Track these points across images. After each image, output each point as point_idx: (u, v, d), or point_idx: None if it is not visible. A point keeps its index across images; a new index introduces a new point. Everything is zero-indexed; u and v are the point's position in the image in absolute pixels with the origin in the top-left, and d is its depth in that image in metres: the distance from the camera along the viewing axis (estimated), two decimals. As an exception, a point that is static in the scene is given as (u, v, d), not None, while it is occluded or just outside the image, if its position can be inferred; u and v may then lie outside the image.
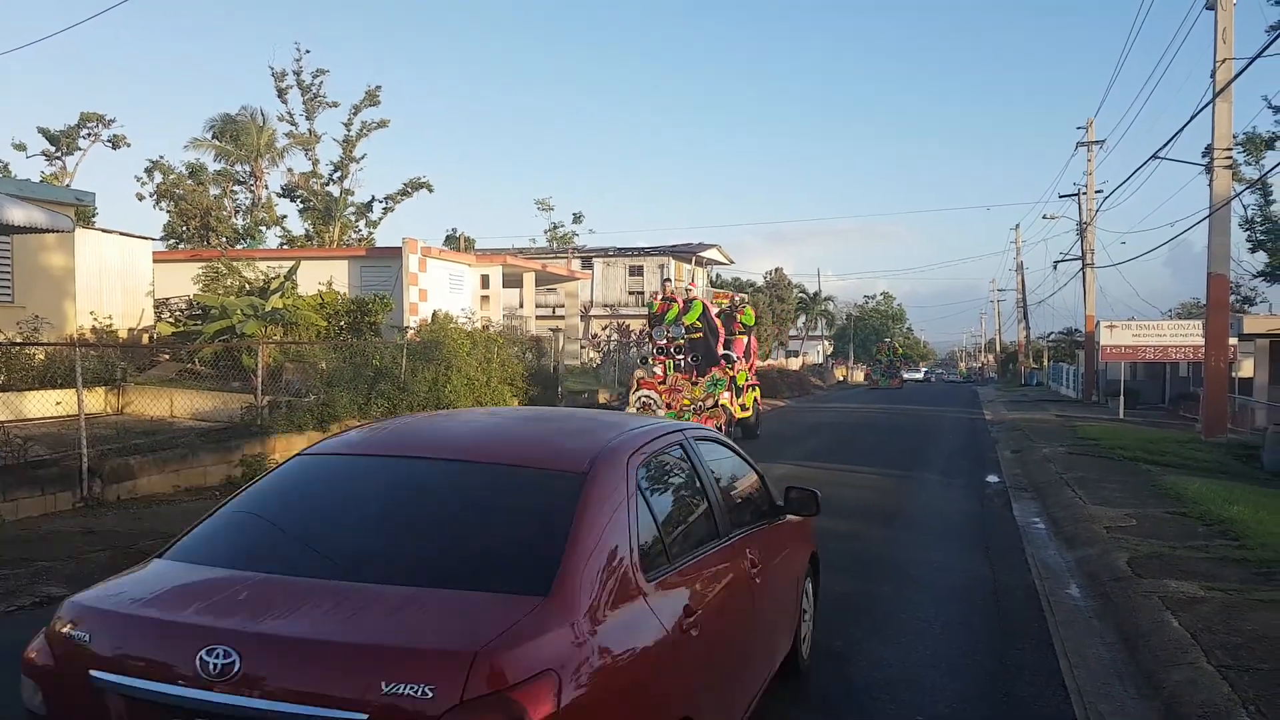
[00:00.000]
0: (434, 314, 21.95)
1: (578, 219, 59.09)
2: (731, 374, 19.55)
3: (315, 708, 2.47)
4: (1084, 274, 41.76)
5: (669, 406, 18.22)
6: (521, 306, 35.01)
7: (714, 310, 20.94)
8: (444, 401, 16.56)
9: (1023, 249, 68.45)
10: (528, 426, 4.35)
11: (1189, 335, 29.03)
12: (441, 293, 26.61)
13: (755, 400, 21.37)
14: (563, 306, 40.21)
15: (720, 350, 20.06)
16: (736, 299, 22.27)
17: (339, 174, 41.20)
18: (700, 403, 18.35)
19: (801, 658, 5.37)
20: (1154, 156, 23.08)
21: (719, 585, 3.75)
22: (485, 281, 29.55)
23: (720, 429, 15.13)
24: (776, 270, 62.93)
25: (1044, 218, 52.74)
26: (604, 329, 39.16)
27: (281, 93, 40.27)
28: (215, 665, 2.55)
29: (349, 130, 40.47)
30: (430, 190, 42.34)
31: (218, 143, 41.36)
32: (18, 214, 13.85)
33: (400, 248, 25.79)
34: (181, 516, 9.77)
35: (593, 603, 2.82)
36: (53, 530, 8.96)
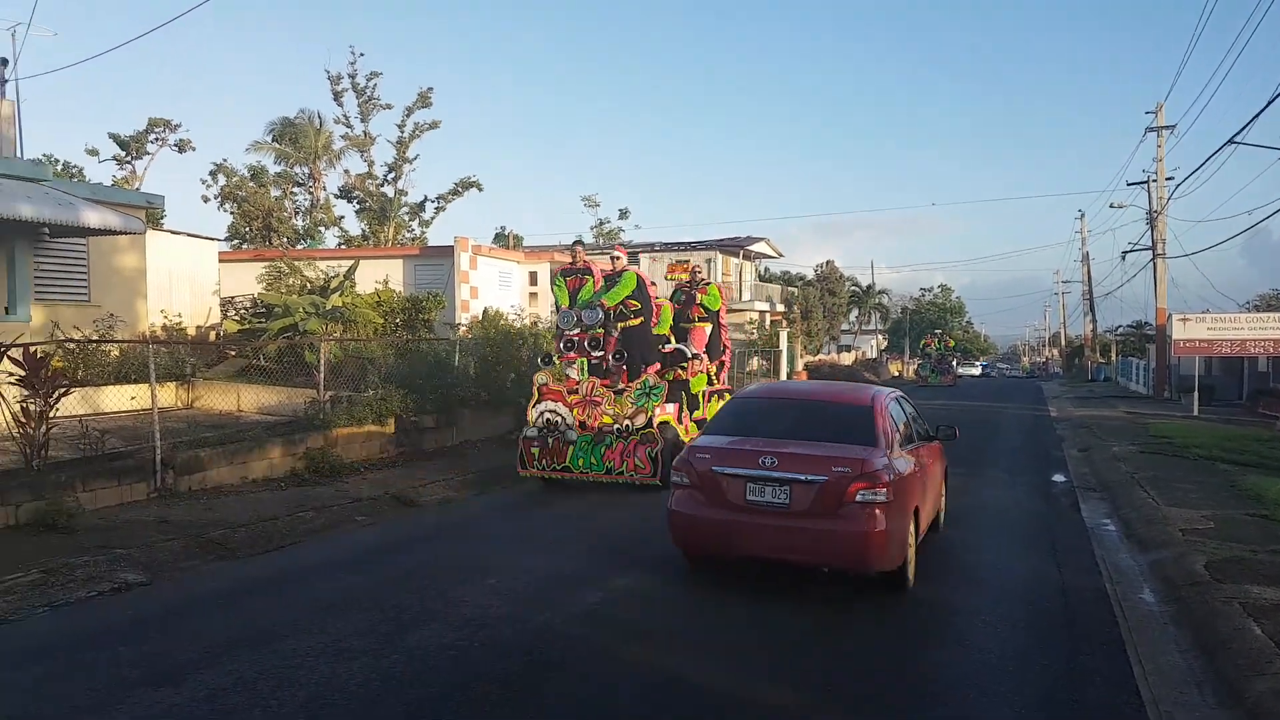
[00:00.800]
0: (485, 310, 22.14)
1: (624, 215, 59.24)
2: (684, 377, 13.67)
3: (808, 475, 6.87)
4: (1154, 264, 40.45)
5: (583, 427, 12.07)
6: (573, 303, 35.15)
7: (656, 289, 14.03)
8: (494, 395, 16.69)
9: (1089, 239, 66.53)
10: (834, 387, 10.55)
11: (1268, 328, 27.98)
12: (491, 289, 26.84)
13: None
14: (614, 302, 40.23)
15: (670, 345, 13.79)
16: (696, 271, 15.12)
17: (393, 175, 41.83)
18: (626, 420, 11.99)
19: (941, 523, 9.74)
20: (1230, 141, 22.25)
21: (919, 460, 8.16)
22: (534, 278, 29.75)
23: (655, 458, 11.57)
24: (828, 263, 62.22)
25: (1111, 206, 51.33)
26: (657, 324, 39.20)
27: (337, 96, 41.03)
28: (768, 461, 7.01)
29: (402, 131, 41.07)
30: (480, 189, 42.80)
31: (277, 145, 42.25)
32: (93, 217, 14.31)
33: (452, 246, 26.07)
34: (249, 507, 10.01)
35: (888, 449, 7.29)
36: (129, 519, 9.24)
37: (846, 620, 6.60)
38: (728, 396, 13.27)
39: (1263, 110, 20.46)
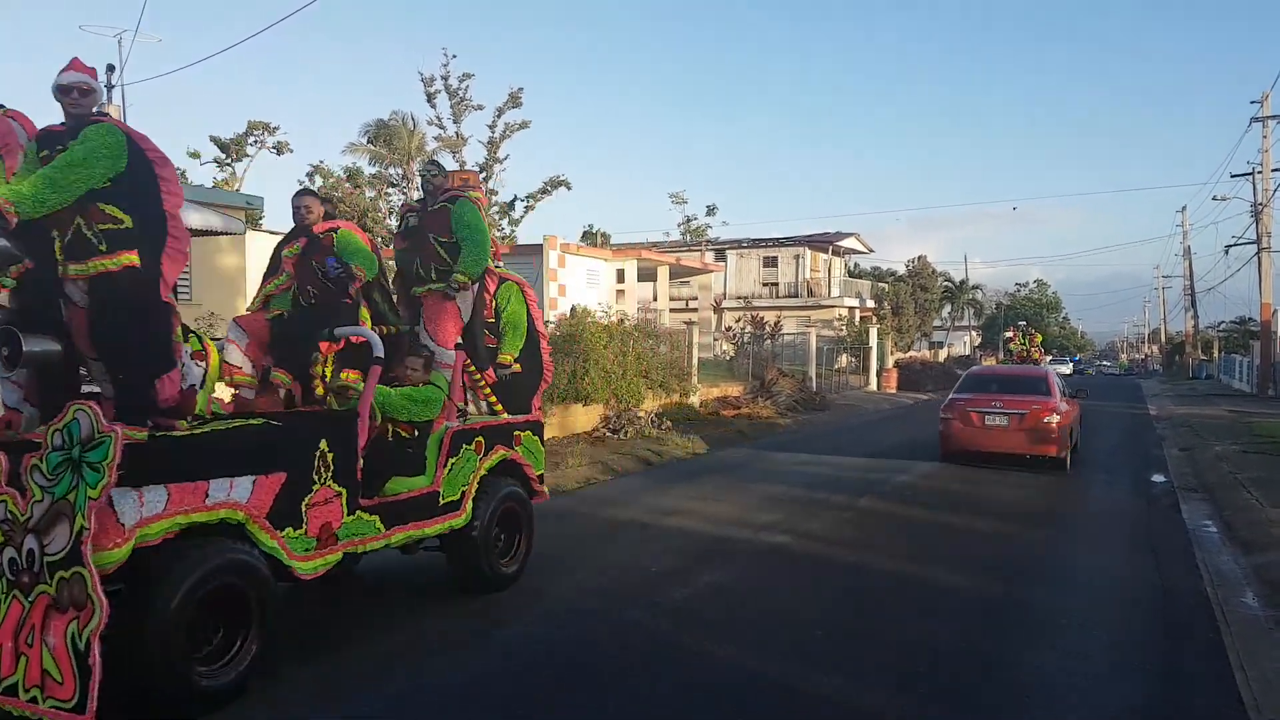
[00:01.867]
0: (572, 308, 22.33)
1: (711, 211, 58.74)
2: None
3: (1019, 411, 14.18)
4: (1259, 259, 38.67)
5: None
6: (655, 300, 35.21)
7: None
8: (582, 393, 16.85)
9: (1190, 233, 63.95)
10: (1022, 367, 20.26)
11: (1383, 324, 26.48)
12: (579, 287, 27.10)
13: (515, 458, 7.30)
14: (695, 299, 40.24)
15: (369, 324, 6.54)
16: (462, 180, 7.54)
17: (484, 175, 42.51)
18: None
19: (1078, 445, 15.48)
20: (1344, 130, 21.07)
21: (1069, 405, 14.93)
22: (620, 276, 29.89)
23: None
24: (919, 258, 60.84)
25: (1214, 199, 49.28)
26: (737, 321, 38.98)
27: (430, 97, 41.73)
28: (996, 405, 14.45)
29: (493, 132, 41.59)
30: (569, 188, 43.02)
31: (372, 147, 43.30)
32: (195, 218, 14.85)
33: (541, 245, 26.41)
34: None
35: (1060, 399, 14.55)
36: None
37: (945, 621, 6.49)
38: (534, 440, 7.50)
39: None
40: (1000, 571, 7.96)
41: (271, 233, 21.58)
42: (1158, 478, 14.25)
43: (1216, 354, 62.34)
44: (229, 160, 42.92)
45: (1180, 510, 11.26)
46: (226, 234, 16.05)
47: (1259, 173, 38.96)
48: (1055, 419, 13.88)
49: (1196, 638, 6.20)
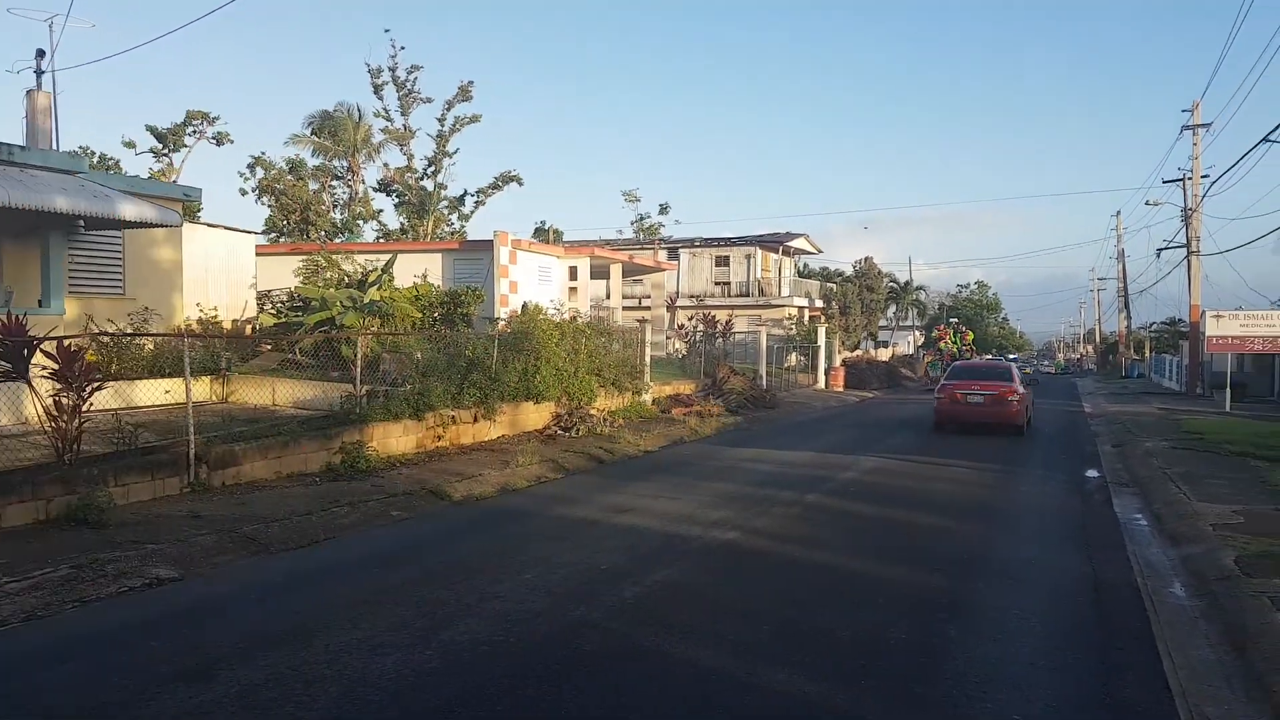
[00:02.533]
0: (524, 305, 22.21)
1: (664, 210, 59.02)
2: None
3: (991, 392, 19.99)
4: (1189, 262, 39.89)
5: None
6: (608, 297, 35.19)
7: None
8: (533, 391, 16.79)
9: (1124, 236, 65.86)
10: (991, 361, 32.27)
11: (1301, 326, 27.51)
12: (531, 284, 26.93)
13: None
14: (649, 297, 40.30)
15: None
16: None
17: (432, 168, 42.10)
18: None
19: (1030, 424, 21.40)
20: (1264, 139, 21.88)
21: (1026, 389, 21.42)
22: (573, 273, 29.78)
23: None
24: (866, 259, 61.60)
25: (1146, 204, 51.15)
26: (690, 319, 39.17)
27: (377, 89, 41.34)
28: (975, 387, 20.25)
29: (442, 125, 41.32)
30: (520, 183, 42.96)
31: (316, 138, 42.62)
32: (129, 209, 14.47)
33: (491, 240, 26.17)
34: (283, 502, 10.14)
35: (1019, 385, 20.58)
36: (161, 514, 9.35)
37: (888, 614, 6.60)
38: None
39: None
40: (941, 565, 8.12)
41: (210, 225, 21.14)
42: (1091, 473, 14.65)
43: (1148, 354, 64.20)
44: (166, 151, 41.86)
45: (1112, 504, 11.61)
46: (162, 226, 15.63)
47: (1189, 179, 40.17)
48: (1016, 398, 19.83)
49: (1127, 628, 6.41)
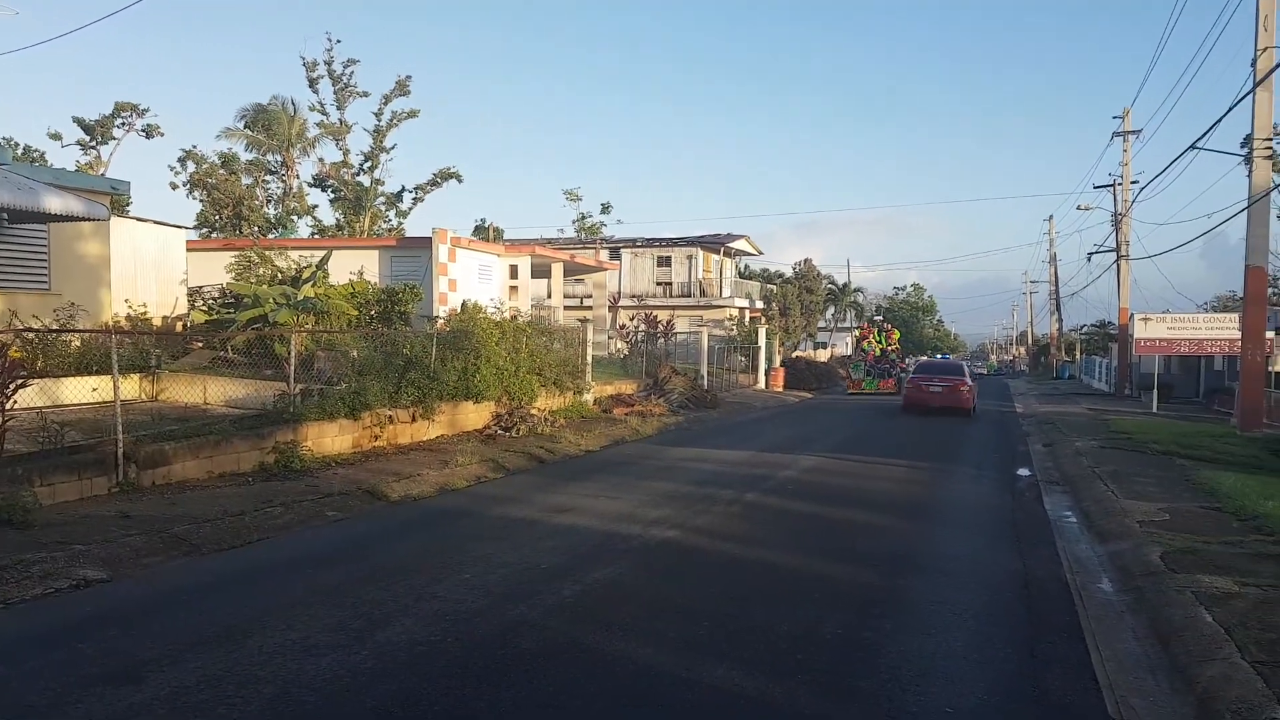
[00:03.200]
0: (463, 304, 22.04)
1: (606, 209, 58.84)
2: None
3: (947, 384, 26.89)
4: (1118, 266, 41.17)
5: None
6: (550, 297, 35.05)
7: None
8: (473, 390, 16.65)
9: (1056, 240, 67.60)
10: (948, 360, 40.88)
11: (1225, 328, 28.59)
12: (470, 283, 26.70)
13: None
14: (590, 297, 40.22)
15: None
16: None
17: (369, 164, 41.50)
18: None
19: (975, 410, 27.38)
20: (1192, 147, 22.56)
21: (974, 382, 28.48)
22: (514, 272, 29.60)
23: None
24: (805, 261, 62.41)
25: (1078, 209, 51.88)
26: (631, 319, 39.22)
27: (313, 83, 40.61)
28: (936, 378, 27.40)
29: (379, 120, 40.76)
30: (459, 180, 42.59)
31: (249, 132, 41.75)
32: (55, 202, 14.04)
33: (430, 238, 25.88)
34: (215, 502, 9.92)
35: (969, 379, 27.79)
36: (89, 514, 9.10)
37: (825, 610, 6.66)
38: None
39: (1223, 117, 20.76)
40: (876, 562, 8.26)
41: (139, 219, 20.56)
42: (1023, 471, 15.02)
43: (1079, 355, 66.08)
44: (94, 143, 40.73)
45: (1043, 502, 11.92)
46: (89, 220, 15.20)
47: (1119, 184, 41.43)
48: (966, 389, 26.63)
49: (1056, 622, 6.57)
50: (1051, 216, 69.89)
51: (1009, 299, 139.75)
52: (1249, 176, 20.10)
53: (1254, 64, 19.57)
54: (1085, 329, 66.93)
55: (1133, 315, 33.31)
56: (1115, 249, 41.98)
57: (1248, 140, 20.91)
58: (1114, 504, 10.74)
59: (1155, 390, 29.70)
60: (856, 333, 43.96)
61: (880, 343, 38.54)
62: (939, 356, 63.84)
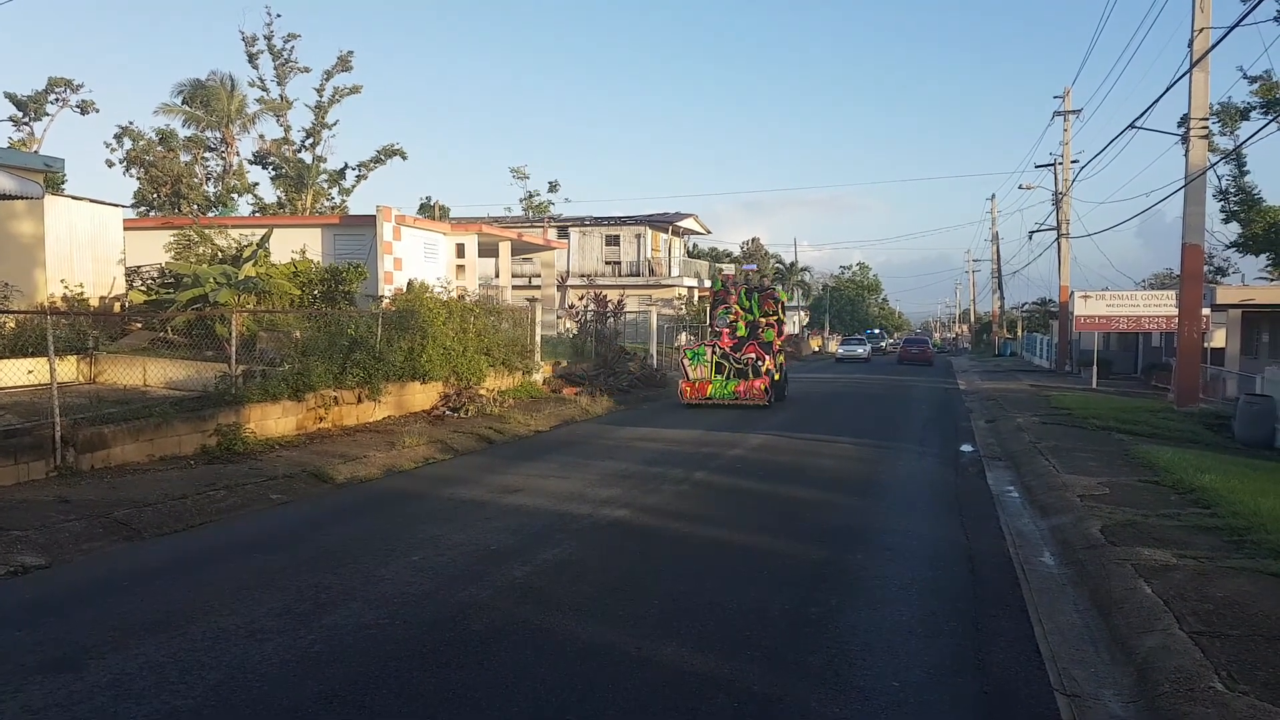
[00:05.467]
0: (409, 283, 21.77)
1: (553, 188, 58.54)
2: None
3: (923, 347, 57.15)
4: (1059, 244, 42.00)
5: None
6: (497, 276, 34.77)
7: None
8: (420, 371, 16.46)
9: (999, 219, 69.06)
10: (919, 334, 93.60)
11: (1162, 305, 29.33)
12: (416, 261, 26.37)
13: None
14: (539, 276, 39.97)
15: None
16: None
17: (311, 140, 40.71)
18: None
19: (933, 361, 53.81)
20: (1130, 126, 23.12)
21: (933, 351, 59.85)
22: (460, 250, 29.28)
23: None
24: (753, 240, 62.98)
25: (1020, 188, 53.37)
26: (580, 299, 39.12)
27: (252, 58, 39.66)
28: (914, 346, 56.32)
29: (321, 96, 39.97)
30: (404, 158, 42.02)
31: (187, 108, 40.67)
32: (-16, 179, 13.56)
33: (374, 216, 25.49)
34: (157, 486, 9.70)
35: (931, 346, 64.22)
36: (26, 499, 8.84)
37: (773, 587, 6.73)
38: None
39: (1161, 96, 21.38)
40: (823, 538, 8.37)
41: (74, 198, 19.93)
42: (965, 447, 15.30)
43: (1020, 333, 67.39)
44: (26, 119, 39.45)
45: (986, 477, 12.16)
46: (22, 198, 14.72)
47: (1060, 163, 42.18)
48: (930, 350, 57.05)
49: (999, 595, 6.71)
50: (994, 195, 71.54)
51: (952, 277, 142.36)
52: (1186, 156, 20.59)
53: (1190, 44, 20.01)
54: (1027, 307, 68.26)
55: (1073, 293, 34.02)
56: (1056, 228, 42.81)
57: (1185, 120, 21.40)
58: (1055, 478, 10.99)
59: (1095, 366, 30.46)
60: (716, 284, 26.24)
61: (751, 313, 23.14)
62: (869, 337, 67.48)
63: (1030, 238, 53.66)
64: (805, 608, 6.28)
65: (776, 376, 22.17)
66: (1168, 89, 20.28)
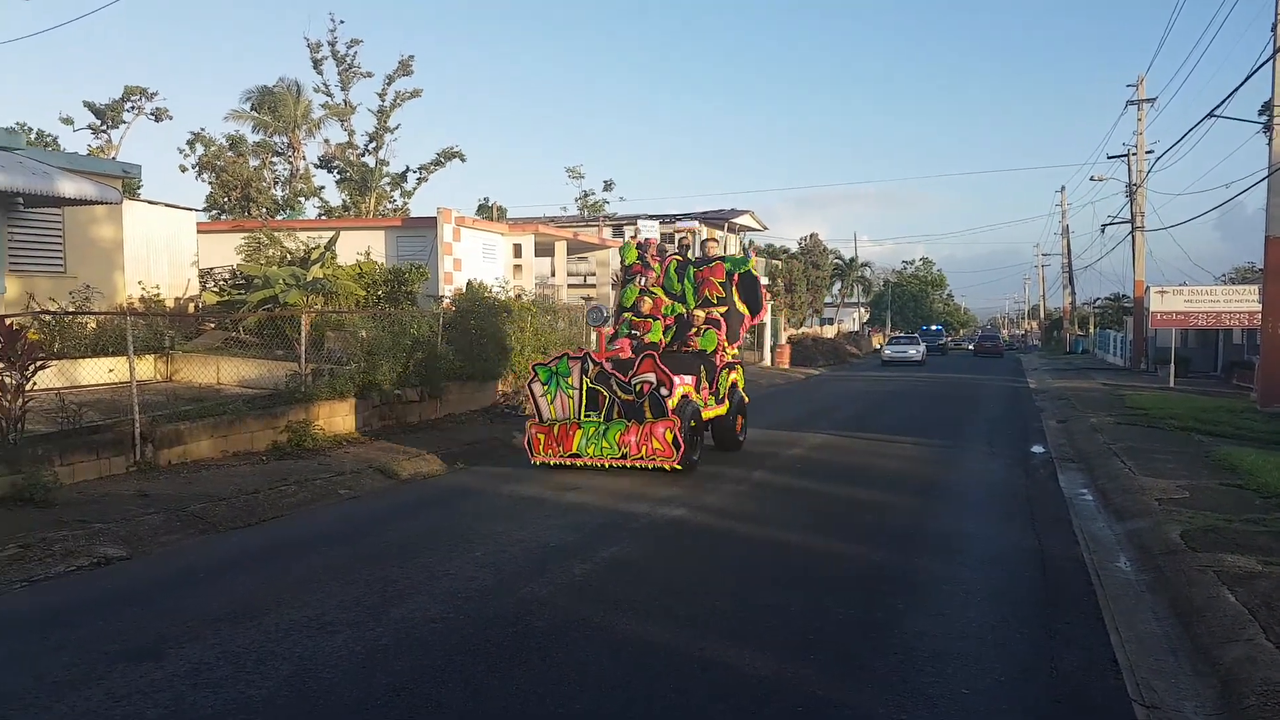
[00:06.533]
0: (468, 283, 22.00)
1: (608, 186, 58.51)
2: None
3: (994, 341, 68.18)
4: (1133, 238, 40.74)
5: None
6: (553, 275, 34.95)
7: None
8: (479, 369, 16.64)
9: (1069, 212, 67.19)
10: (991, 330, 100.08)
11: (1244, 301, 28.29)
12: (475, 262, 26.66)
13: None
14: (594, 275, 40.09)
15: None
16: None
17: (374, 144, 41.38)
18: None
19: (1004, 354, 62.80)
20: (1209, 115, 22.32)
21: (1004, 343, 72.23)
22: (518, 250, 29.54)
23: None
24: (811, 236, 62.17)
25: (1091, 180, 51.33)
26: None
27: (317, 64, 40.46)
28: (986, 342, 65.90)
29: (383, 100, 40.59)
30: (463, 160, 42.48)
31: (256, 114, 41.69)
32: (68, 187, 14.06)
33: (435, 217, 25.83)
34: (230, 480, 9.97)
35: (1002, 342, 73.54)
36: (108, 493, 9.17)
37: (835, 590, 6.64)
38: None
39: (1242, 84, 20.51)
40: (887, 541, 8.21)
41: (151, 202, 20.55)
42: (1036, 448, 14.91)
43: (1093, 329, 65.54)
44: (105, 127, 40.76)
45: (1058, 479, 11.82)
46: (102, 203, 15.24)
47: (1134, 154, 40.88)
48: (1001, 344, 66.10)
49: (1073, 601, 6.50)
50: (1064, 188, 69.68)
51: (1020, 272, 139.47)
52: (1269, 145, 19.80)
53: (1274, 28, 19.27)
54: (1099, 302, 66.38)
55: (1148, 288, 33.01)
56: (1130, 220, 41.52)
57: (1267, 107, 20.59)
58: (1131, 481, 10.65)
59: (1172, 364, 29.42)
60: (627, 248, 14.79)
61: (683, 300, 14.00)
62: (924, 335, 61.28)
63: (1103, 231, 52.19)
64: (870, 611, 6.17)
65: (707, 412, 12.42)
66: (1249, 76, 19.56)
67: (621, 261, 14.89)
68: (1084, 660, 5.37)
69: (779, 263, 56.92)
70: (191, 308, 19.21)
